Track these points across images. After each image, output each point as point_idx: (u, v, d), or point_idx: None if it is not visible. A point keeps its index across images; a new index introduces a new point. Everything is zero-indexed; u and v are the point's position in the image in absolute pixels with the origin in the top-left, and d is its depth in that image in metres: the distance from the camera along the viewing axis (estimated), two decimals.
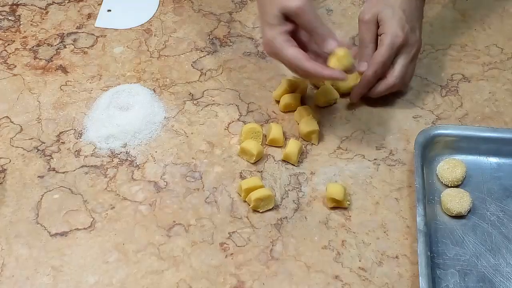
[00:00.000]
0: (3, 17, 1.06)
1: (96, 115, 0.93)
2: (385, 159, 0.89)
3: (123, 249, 0.80)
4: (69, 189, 0.85)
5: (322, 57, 0.85)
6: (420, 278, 0.74)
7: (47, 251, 0.80)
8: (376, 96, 0.92)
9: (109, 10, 1.07)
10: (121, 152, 0.89)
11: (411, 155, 0.87)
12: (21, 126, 0.92)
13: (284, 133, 0.90)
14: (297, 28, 0.84)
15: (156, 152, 0.89)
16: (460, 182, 0.85)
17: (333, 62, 0.82)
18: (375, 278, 0.78)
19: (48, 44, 1.02)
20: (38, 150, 0.89)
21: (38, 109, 0.94)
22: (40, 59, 1.00)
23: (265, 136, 0.90)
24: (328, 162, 0.88)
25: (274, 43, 0.83)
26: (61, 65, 0.99)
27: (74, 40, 1.03)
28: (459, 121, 0.93)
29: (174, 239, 0.81)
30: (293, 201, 0.85)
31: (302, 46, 0.85)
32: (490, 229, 0.81)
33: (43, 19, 1.06)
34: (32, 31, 1.04)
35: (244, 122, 0.92)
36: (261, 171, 0.87)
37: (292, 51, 0.82)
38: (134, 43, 1.02)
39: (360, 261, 0.79)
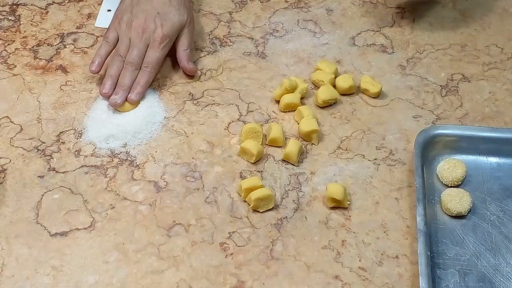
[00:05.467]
0: (3, 17, 1.06)
1: (96, 115, 0.93)
2: (385, 159, 0.89)
3: (123, 249, 0.80)
4: (69, 189, 0.86)
5: None
6: (420, 278, 0.74)
7: (47, 251, 0.80)
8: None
9: (109, 10, 1.07)
10: (121, 152, 0.89)
11: (411, 155, 0.88)
12: (21, 126, 0.92)
13: (284, 133, 0.90)
14: None
15: (156, 152, 0.89)
16: (460, 182, 0.85)
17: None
18: (375, 278, 0.78)
19: (48, 44, 1.02)
20: (38, 150, 0.89)
21: (38, 109, 0.94)
22: (40, 59, 1.00)
23: (265, 136, 0.90)
24: (328, 162, 0.88)
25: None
26: (61, 65, 0.99)
27: (74, 40, 1.03)
28: (459, 121, 0.93)
29: (174, 239, 0.81)
30: (293, 201, 0.85)
31: None
32: (490, 229, 0.81)
33: (43, 19, 1.06)
34: (32, 31, 1.04)
35: (244, 122, 0.92)
36: (261, 171, 0.87)
37: None
38: None
39: (360, 261, 0.79)
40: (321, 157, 0.89)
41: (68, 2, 1.08)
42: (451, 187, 0.85)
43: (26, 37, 1.03)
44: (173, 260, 0.79)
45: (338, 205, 0.83)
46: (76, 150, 0.89)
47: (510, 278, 0.77)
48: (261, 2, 1.09)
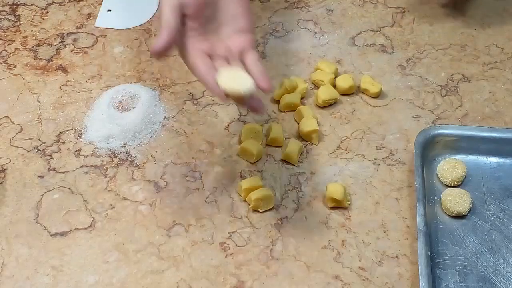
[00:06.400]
0: (3, 17, 1.06)
1: (96, 115, 0.93)
2: (385, 159, 0.89)
3: (123, 249, 0.80)
4: (69, 189, 0.86)
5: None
6: (420, 278, 0.74)
7: (47, 251, 0.80)
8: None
9: (109, 10, 1.07)
10: (121, 152, 0.89)
11: (411, 155, 0.87)
12: (21, 126, 0.92)
13: (284, 133, 0.90)
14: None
15: (156, 152, 0.89)
16: (460, 182, 0.85)
17: (227, 81, 0.71)
18: (375, 278, 0.78)
19: (48, 44, 1.02)
20: (38, 150, 0.89)
21: (38, 109, 0.94)
22: (40, 59, 1.00)
23: (265, 136, 0.90)
24: (328, 162, 0.88)
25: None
26: (61, 65, 0.99)
27: (74, 40, 1.03)
28: (459, 121, 0.93)
29: (174, 239, 0.81)
30: (293, 201, 0.85)
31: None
32: (490, 229, 0.81)
33: (43, 19, 1.06)
34: (32, 31, 1.04)
35: (244, 122, 0.92)
36: (261, 171, 0.87)
37: (191, 61, 0.73)
38: (134, 43, 1.02)
39: (360, 261, 0.79)
40: (321, 157, 0.89)
41: (68, 2, 1.08)
42: (451, 187, 0.84)
43: (26, 37, 1.03)
44: (173, 260, 0.79)
45: (338, 205, 0.83)
46: (76, 150, 0.89)
47: (510, 278, 0.77)
48: (261, 2, 1.09)
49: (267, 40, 1.03)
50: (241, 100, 0.71)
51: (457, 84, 0.97)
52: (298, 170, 0.88)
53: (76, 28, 1.04)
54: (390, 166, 0.88)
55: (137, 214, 0.83)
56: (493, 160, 0.87)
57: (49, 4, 1.08)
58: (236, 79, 0.70)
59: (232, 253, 0.80)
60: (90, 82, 0.97)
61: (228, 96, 0.70)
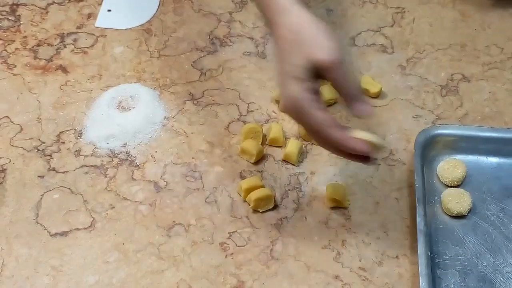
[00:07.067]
0: (3, 17, 1.06)
1: (96, 115, 0.93)
2: (385, 159, 0.89)
3: (123, 249, 0.80)
4: (69, 189, 0.85)
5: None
6: (420, 278, 0.74)
7: (47, 251, 0.80)
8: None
9: (109, 10, 1.07)
10: (121, 152, 0.89)
11: (411, 155, 0.87)
12: (21, 126, 0.92)
13: (284, 133, 0.90)
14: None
15: (156, 152, 0.89)
16: (460, 182, 0.85)
17: (361, 133, 0.74)
18: (375, 278, 0.78)
19: (48, 44, 1.02)
20: (38, 150, 0.89)
21: (38, 109, 0.94)
22: (40, 59, 1.00)
23: (265, 136, 0.90)
24: (328, 162, 0.88)
25: (299, 102, 0.70)
26: (61, 65, 0.99)
27: (74, 40, 1.03)
28: (459, 121, 0.93)
29: (174, 239, 0.81)
30: (293, 201, 0.85)
31: None
32: (490, 229, 0.81)
33: (43, 19, 1.06)
34: (32, 31, 1.04)
35: (244, 122, 0.92)
36: (261, 171, 0.87)
37: (322, 116, 0.71)
38: (134, 43, 1.02)
39: (360, 261, 0.79)
40: (321, 157, 0.89)
41: (68, 2, 1.08)
42: (451, 187, 0.84)
43: (26, 37, 1.03)
44: (173, 260, 0.79)
45: (338, 205, 0.83)
46: (76, 150, 0.89)
47: (511, 278, 0.77)
48: None
49: (267, 40, 1.03)
50: (372, 151, 0.73)
51: (457, 84, 0.97)
52: (298, 170, 0.88)
53: (76, 28, 1.04)
54: (390, 166, 0.88)
55: (137, 214, 0.83)
56: (493, 160, 0.87)
57: (49, 4, 1.08)
58: (366, 135, 0.74)
59: (232, 253, 0.80)
60: (90, 82, 0.97)
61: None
